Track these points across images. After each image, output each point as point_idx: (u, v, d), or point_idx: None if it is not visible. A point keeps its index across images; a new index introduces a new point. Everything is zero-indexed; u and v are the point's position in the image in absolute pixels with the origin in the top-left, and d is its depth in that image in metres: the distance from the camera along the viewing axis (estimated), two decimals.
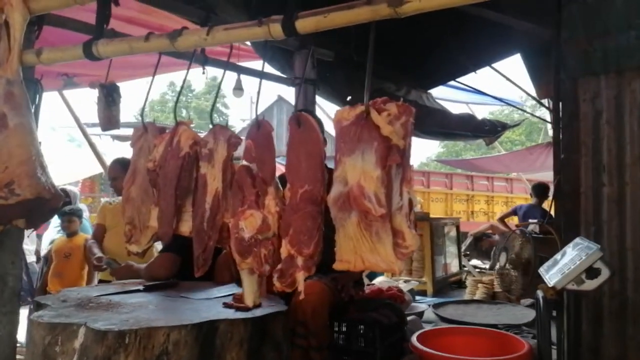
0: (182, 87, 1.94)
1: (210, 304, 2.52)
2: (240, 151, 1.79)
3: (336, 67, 4.84)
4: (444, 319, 4.29)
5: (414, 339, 2.74)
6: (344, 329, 2.98)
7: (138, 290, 2.77)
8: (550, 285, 2.40)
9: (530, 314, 4.48)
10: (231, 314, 2.33)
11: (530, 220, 5.44)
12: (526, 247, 3.81)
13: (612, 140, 3.01)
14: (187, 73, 2.10)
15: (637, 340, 2.97)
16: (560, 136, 3.22)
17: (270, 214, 1.62)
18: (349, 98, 5.30)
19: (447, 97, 7.41)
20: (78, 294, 2.47)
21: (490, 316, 4.58)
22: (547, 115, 7.36)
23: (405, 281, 5.07)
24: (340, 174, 1.49)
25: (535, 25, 3.48)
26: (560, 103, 3.20)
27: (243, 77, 5.07)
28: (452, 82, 6.89)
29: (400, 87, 6.19)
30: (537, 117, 7.84)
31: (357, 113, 1.50)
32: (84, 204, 8.41)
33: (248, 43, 4.50)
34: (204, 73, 3.52)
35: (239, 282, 2.90)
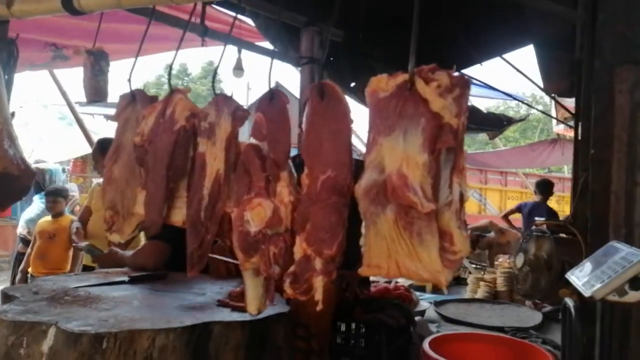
0: (177, 49, 1.63)
1: (203, 302, 2.23)
2: (246, 128, 1.50)
3: (341, 52, 4.57)
4: (448, 319, 4.06)
5: (425, 345, 2.45)
6: (348, 330, 2.75)
7: (122, 282, 2.48)
8: (587, 295, 2.14)
9: (536, 317, 4.25)
10: (227, 314, 2.04)
11: (537, 219, 5.22)
12: (546, 248, 3.56)
13: None
14: (184, 35, 1.78)
15: None
16: (591, 131, 2.96)
17: (282, 204, 1.32)
18: (352, 84, 5.03)
19: None
20: (53, 285, 2.18)
21: (494, 317, 4.35)
22: (552, 111, 7.14)
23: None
24: (374, 159, 1.20)
25: (567, 7, 3.20)
26: (593, 94, 2.93)
27: (243, 60, 4.78)
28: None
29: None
30: (543, 112, 7.59)
31: (399, 82, 1.20)
32: (75, 184, 8.10)
33: (251, 22, 4.19)
34: (203, 45, 3.20)
35: (238, 276, 2.61)
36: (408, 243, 1.17)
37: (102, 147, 3.64)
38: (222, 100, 1.46)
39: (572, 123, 6.30)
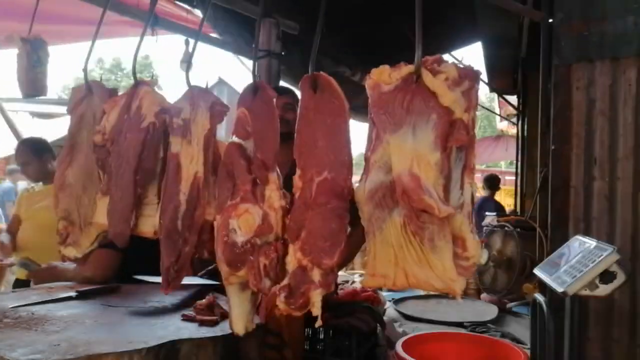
0: (142, 37, 1.43)
1: (164, 316, 2.04)
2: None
3: (292, 45, 4.45)
4: (408, 317, 4.06)
5: (398, 347, 2.38)
6: (314, 336, 2.64)
7: (69, 298, 2.23)
8: (560, 291, 2.15)
9: (492, 310, 4.33)
10: (195, 330, 1.87)
11: (487, 213, 5.34)
12: (509, 243, 3.60)
13: (605, 132, 2.81)
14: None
15: (623, 344, 2.84)
16: (551, 127, 3.01)
17: (272, 209, 1.18)
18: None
19: None
20: None
21: (452, 312, 4.38)
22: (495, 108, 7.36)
23: (361, 275, 4.78)
24: (379, 158, 1.08)
25: (527, 6, 3.24)
26: (552, 91, 2.99)
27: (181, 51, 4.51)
28: None
29: (355, 71, 6.01)
30: (487, 109, 7.82)
31: (404, 75, 1.10)
32: None
33: (199, 13, 3.96)
34: (153, 34, 2.96)
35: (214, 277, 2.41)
36: (418, 250, 1.07)
37: (32, 146, 3.28)
38: (198, 94, 1.29)
39: (515, 120, 6.52)
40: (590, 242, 2.36)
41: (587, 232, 2.83)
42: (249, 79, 1.27)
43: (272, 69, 3.39)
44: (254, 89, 1.24)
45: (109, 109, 1.31)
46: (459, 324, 4.07)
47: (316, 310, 1.16)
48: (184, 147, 1.26)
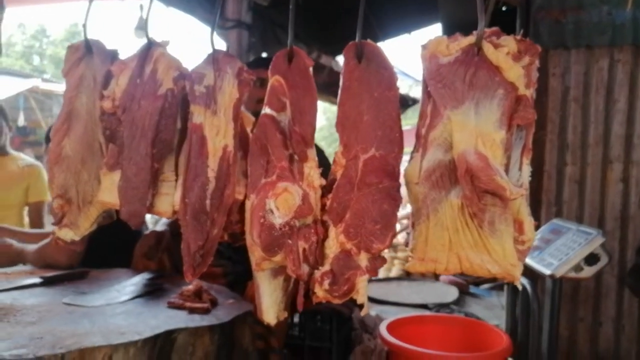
0: None
1: (148, 304, 1.88)
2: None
3: (253, 21, 4.29)
4: (372, 300, 4.07)
5: (383, 330, 2.36)
6: (298, 321, 2.56)
7: (34, 285, 2.01)
8: (548, 273, 2.20)
9: (452, 291, 4.45)
10: (187, 318, 1.74)
11: None
12: None
13: (578, 119, 2.92)
14: None
15: (587, 322, 2.99)
16: None
17: (312, 188, 1.08)
18: (264, 54, 4.77)
19: None
20: None
21: (414, 294, 4.46)
22: None
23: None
24: (439, 135, 1.01)
25: None
26: None
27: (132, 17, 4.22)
28: None
29: (312, 50, 5.95)
30: None
31: (464, 46, 1.02)
32: None
33: None
34: None
35: (178, 267, 2.26)
36: (475, 233, 1.01)
37: None
38: (223, 59, 1.15)
39: None
40: (570, 226, 2.43)
41: (558, 215, 2.93)
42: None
43: (242, 41, 3.21)
44: (289, 55, 1.12)
45: (117, 72, 1.14)
46: (423, 306, 4.13)
47: (361, 298, 1.08)
48: (207, 117, 1.12)
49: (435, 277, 4.75)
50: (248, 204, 1.09)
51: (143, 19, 4.10)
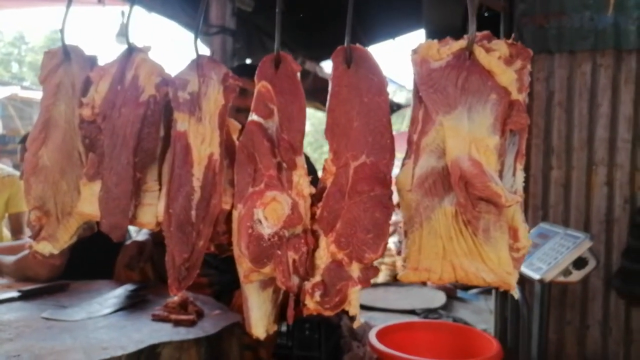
0: None
1: (131, 316, 1.83)
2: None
3: (237, 27, 4.26)
4: (361, 306, 4.04)
5: (372, 338, 2.34)
6: (287, 330, 2.53)
7: (12, 299, 1.94)
8: (537, 278, 2.19)
9: (440, 297, 4.45)
10: (172, 331, 1.69)
11: None
12: None
13: (563, 123, 2.93)
14: None
15: (574, 325, 2.99)
16: None
17: (301, 197, 1.04)
18: (248, 61, 4.74)
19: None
20: None
21: (401, 300, 4.46)
22: None
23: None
24: (431, 141, 0.98)
25: None
26: None
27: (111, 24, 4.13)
28: None
29: (297, 56, 5.92)
30: None
31: (455, 51, 1.00)
32: None
33: None
34: (100, 2, 2.65)
35: (163, 276, 2.21)
36: (470, 241, 0.99)
37: None
38: (207, 64, 1.11)
39: None
40: (557, 230, 2.43)
41: (544, 219, 2.94)
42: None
43: (226, 47, 3.17)
44: (276, 60, 1.09)
45: (97, 79, 1.09)
46: (411, 312, 4.11)
47: (353, 309, 1.05)
48: (192, 125, 1.08)
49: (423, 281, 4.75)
50: (235, 214, 1.05)
51: (125, 25, 4.02)
